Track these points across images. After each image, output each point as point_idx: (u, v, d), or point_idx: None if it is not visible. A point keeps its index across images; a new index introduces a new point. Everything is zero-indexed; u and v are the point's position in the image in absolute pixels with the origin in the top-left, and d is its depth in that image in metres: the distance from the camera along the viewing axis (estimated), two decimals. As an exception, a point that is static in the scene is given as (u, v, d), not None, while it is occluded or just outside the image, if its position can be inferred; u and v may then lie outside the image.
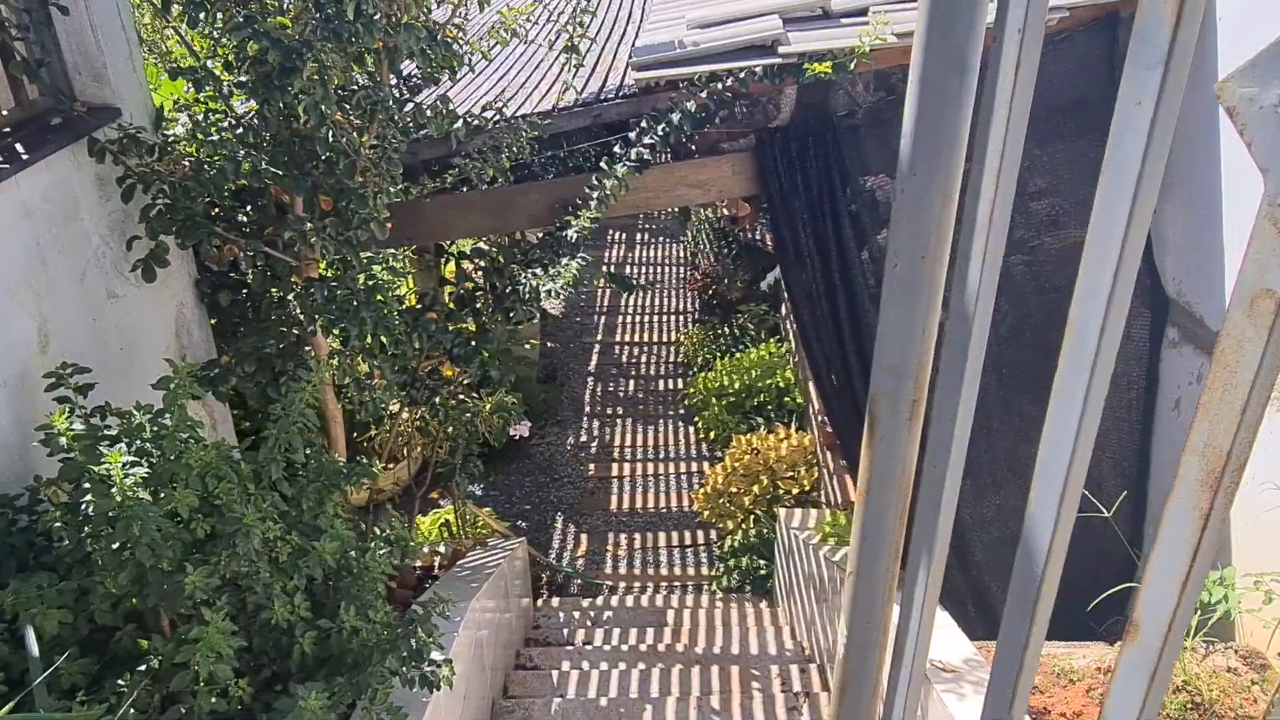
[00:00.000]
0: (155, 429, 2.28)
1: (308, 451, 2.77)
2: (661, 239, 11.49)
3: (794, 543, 5.43)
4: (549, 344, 9.29)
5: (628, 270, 10.72)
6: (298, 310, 2.90)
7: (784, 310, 8.29)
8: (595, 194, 3.78)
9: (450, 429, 4.11)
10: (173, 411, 2.21)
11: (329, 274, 3.41)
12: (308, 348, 3.12)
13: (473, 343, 3.93)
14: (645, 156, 3.78)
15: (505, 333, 3.97)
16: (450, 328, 3.89)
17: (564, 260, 3.79)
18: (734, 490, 6.55)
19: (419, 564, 5.00)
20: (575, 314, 9.88)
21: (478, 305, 4.00)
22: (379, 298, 3.05)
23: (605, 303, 10.11)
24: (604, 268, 10.84)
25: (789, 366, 7.66)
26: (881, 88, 3.97)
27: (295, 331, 3.12)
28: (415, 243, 3.97)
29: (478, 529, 5.83)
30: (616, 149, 3.83)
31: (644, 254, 11.15)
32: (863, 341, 3.71)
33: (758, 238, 8.85)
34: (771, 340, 8.09)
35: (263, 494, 2.45)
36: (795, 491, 6.38)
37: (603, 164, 3.80)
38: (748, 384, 7.56)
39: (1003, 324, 3.90)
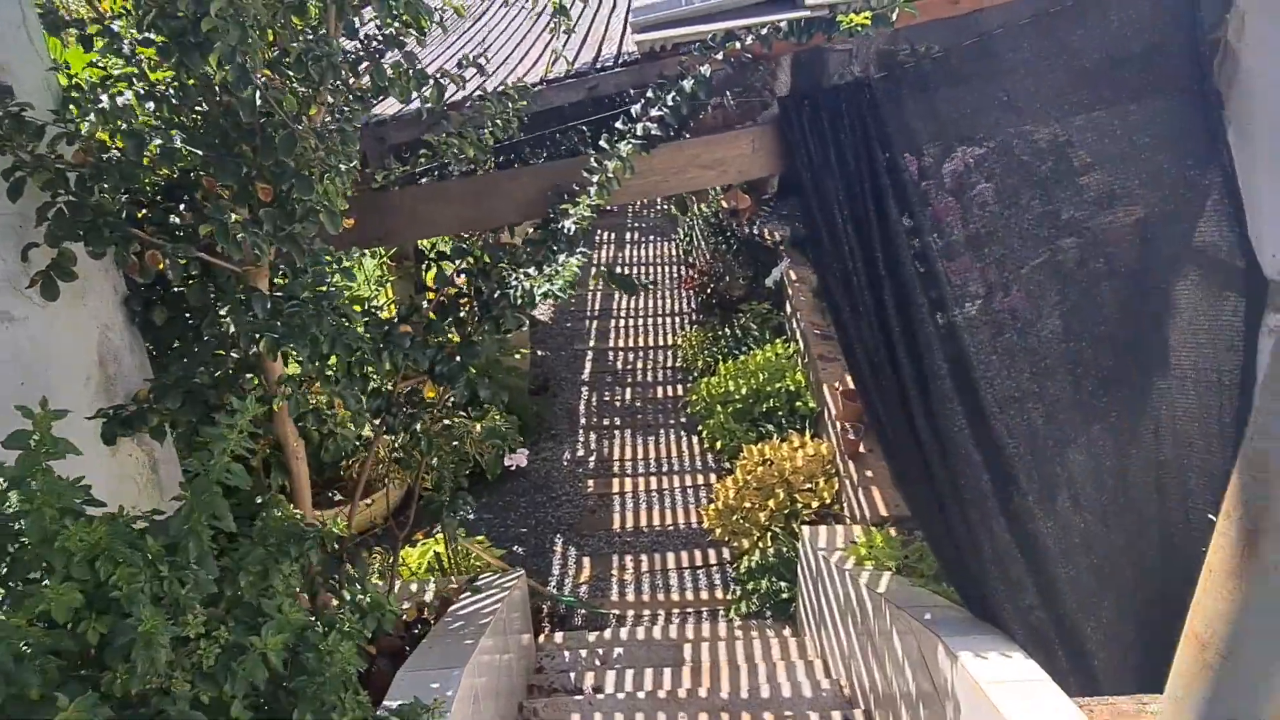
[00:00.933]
0: (23, 499, 1.64)
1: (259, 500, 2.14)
2: (652, 237, 10.88)
3: (822, 565, 4.82)
4: (539, 352, 8.65)
5: (617, 272, 10.09)
6: (233, 328, 2.27)
7: (788, 309, 7.69)
8: (595, 178, 3.16)
9: (435, 459, 3.47)
10: (35, 476, 1.57)
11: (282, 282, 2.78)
12: (249, 375, 2.48)
13: (457, 358, 3.30)
14: (653, 131, 3.16)
15: (494, 343, 3.34)
16: (431, 341, 3.26)
17: (561, 257, 3.16)
18: (748, 505, 5.94)
19: (405, 605, 4.36)
20: (565, 319, 9.25)
21: (461, 314, 3.37)
22: (336, 306, 2.41)
23: (597, 306, 9.48)
24: (593, 269, 10.22)
25: (799, 368, 7.06)
26: (928, 43, 3.37)
27: (234, 355, 2.49)
28: (384, 243, 3.33)
29: (471, 562, 5.18)
30: (619, 125, 3.20)
31: (634, 253, 10.53)
32: (915, 339, 3.11)
33: (756, 233, 8.25)
34: (778, 341, 7.48)
35: (182, 575, 1.81)
36: (815, 505, 5.77)
37: (603, 143, 3.18)
38: (755, 388, 6.95)
39: (1052, 316, 3.32)
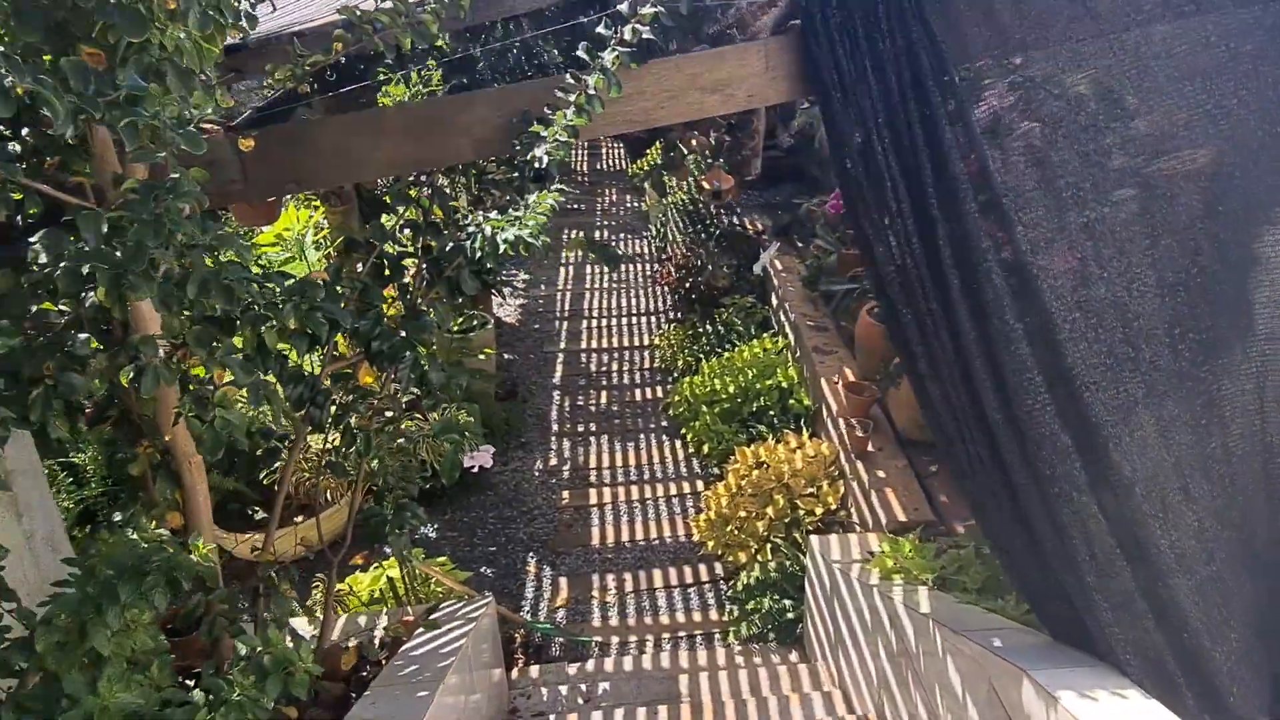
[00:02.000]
0: None
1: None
2: (623, 235, 10.17)
3: (839, 580, 4.11)
4: (506, 356, 7.88)
5: (587, 271, 9.37)
6: (45, 261, 1.51)
7: (774, 300, 7.01)
8: (572, 98, 2.45)
9: (377, 463, 2.71)
10: None
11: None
12: (83, 336, 1.71)
13: (402, 333, 2.55)
14: (645, 35, 2.46)
15: (448, 312, 2.59)
16: (368, 312, 2.51)
17: (531, 197, 2.43)
18: (743, 514, 5.22)
19: (350, 642, 3.58)
20: (533, 321, 8.50)
21: (405, 280, 2.62)
22: (220, 237, 1.66)
23: (567, 307, 8.74)
24: (562, 269, 9.48)
25: (790, 363, 6.37)
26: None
27: (62, 308, 1.74)
28: (304, 187, 2.58)
29: (431, 588, 4.40)
30: (601, 29, 2.49)
31: (605, 253, 9.78)
32: (980, 297, 2.43)
33: (738, 223, 7.58)
34: (765, 335, 6.79)
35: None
36: (819, 512, 5.07)
37: (581, 52, 2.47)
38: (743, 387, 6.25)
39: (1144, 266, 2.65)
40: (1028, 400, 2.41)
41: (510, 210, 2.43)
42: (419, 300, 2.62)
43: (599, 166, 12.41)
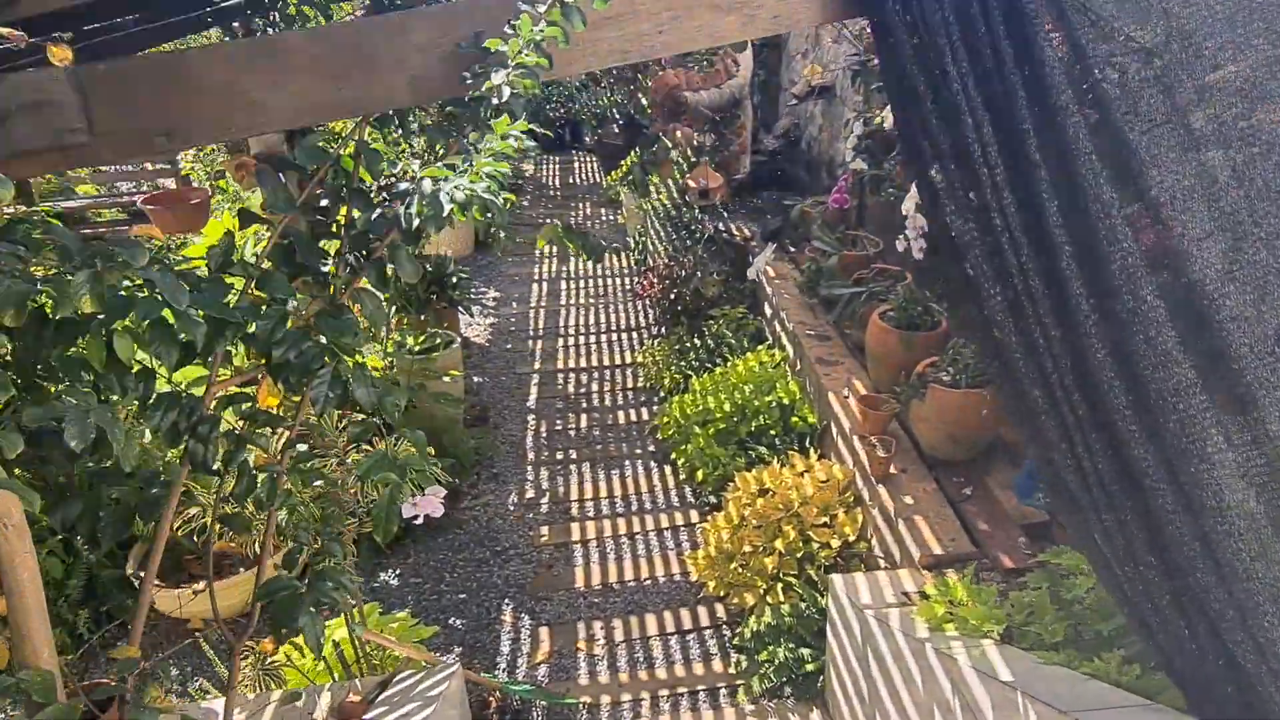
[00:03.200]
0: None
1: None
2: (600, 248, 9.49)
3: (870, 628, 3.41)
4: (475, 378, 7.15)
5: (562, 287, 8.68)
6: None
7: (767, 310, 6.35)
8: (542, 9, 1.77)
9: (289, 514, 1.98)
10: None
11: None
12: None
13: (318, 338, 1.84)
14: (640, -80, 1.80)
15: (378, 308, 1.88)
16: (269, 309, 1.79)
17: (490, 140, 1.75)
18: (748, 549, 4.51)
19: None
20: (504, 340, 7.77)
21: (324, 263, 1.92)
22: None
23: (540, 324, 8.03)
24: (535, 284, 8.78)
25: (790, 377, 5.70)
26: None
27: None
28: (180, 142, 1.87)
29: (386, 655, 3.64)
30: (580, -84, 1.83)
31: (578, 266, 9.13)
32: (1103, 265, 1.77)
33: (724, 229, 6.93)
34: (761, 348, 6.12)
35: None
36: (836, 545, 4.38)
37: (553, -53, 1.80)
38: (740, 404, 5.56)
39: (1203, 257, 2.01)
40: (1176, 402, 1.73)
41: (461, 164, 1.74)
42: (341, 292, 1.91)
43: (571, 180, 11.76)
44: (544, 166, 12.26)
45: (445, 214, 1.64)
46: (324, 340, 1.85)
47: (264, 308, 1.81)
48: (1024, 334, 1.90)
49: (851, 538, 4.41)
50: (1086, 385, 1.83)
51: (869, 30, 5.90)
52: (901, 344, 4.61)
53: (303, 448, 1.97)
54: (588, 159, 12.24)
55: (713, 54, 6.04)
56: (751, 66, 6.60)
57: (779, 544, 4.42)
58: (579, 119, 11.93)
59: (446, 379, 5.64)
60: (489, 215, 1.60)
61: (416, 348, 5.52)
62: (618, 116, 8.39)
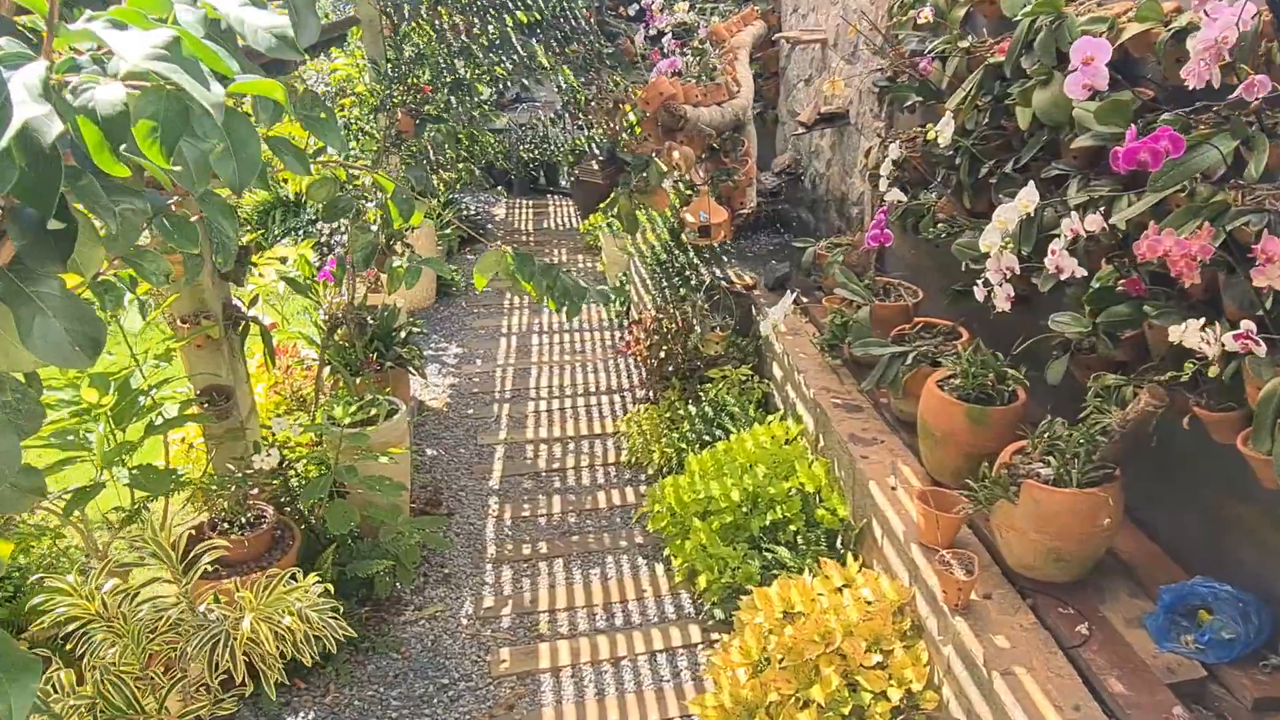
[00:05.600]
0: None
1: None
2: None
3: None
4: (429, 451, 5.92)
5: (534, 342, 7.51)
6: None
7: (777, 373, 5.21)
8: None
9: None
10: None
11: None
12: None
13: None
14: None
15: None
16: None
17: None
18: (775, 698, 3.29)
19: None
20: (466, 404, 6.56)
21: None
22: None
23: (508, 385, 6.83)
24: (504, 339, 7.60)
25: (813, 456, 4.53)
26: None
27: None
28: None
29: None
30: None
31: (554, 319, 7.97)
32: None
33: (720, 274, 5.81)
34: (773, 418, 4.95)
35: None
36: (896, 698, 3.17)
37: None
38: (750, 491, 4.38)
39: None
40: None
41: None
42: None
43: (546, 224, 10.67)
44: (516, 210, 11.18)
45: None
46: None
47: None
48: None
49: (916, 685, 3.20)
50: None
51: (895, 39, 4.87)
52: (970, 421, 3.46)
53: None
54: (564, 203, 11.19)
55: (712, 69, 4.98)
56: (754, 88, 5.54)
57: (817, 693, 3.20)
58: (554, 160, 10.93)
59: (384, 459, 4.40)
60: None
61: (346, 420, 4.30)
62: (597, 152, 7.33)
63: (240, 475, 4.12)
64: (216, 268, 4.33)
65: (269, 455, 3.95)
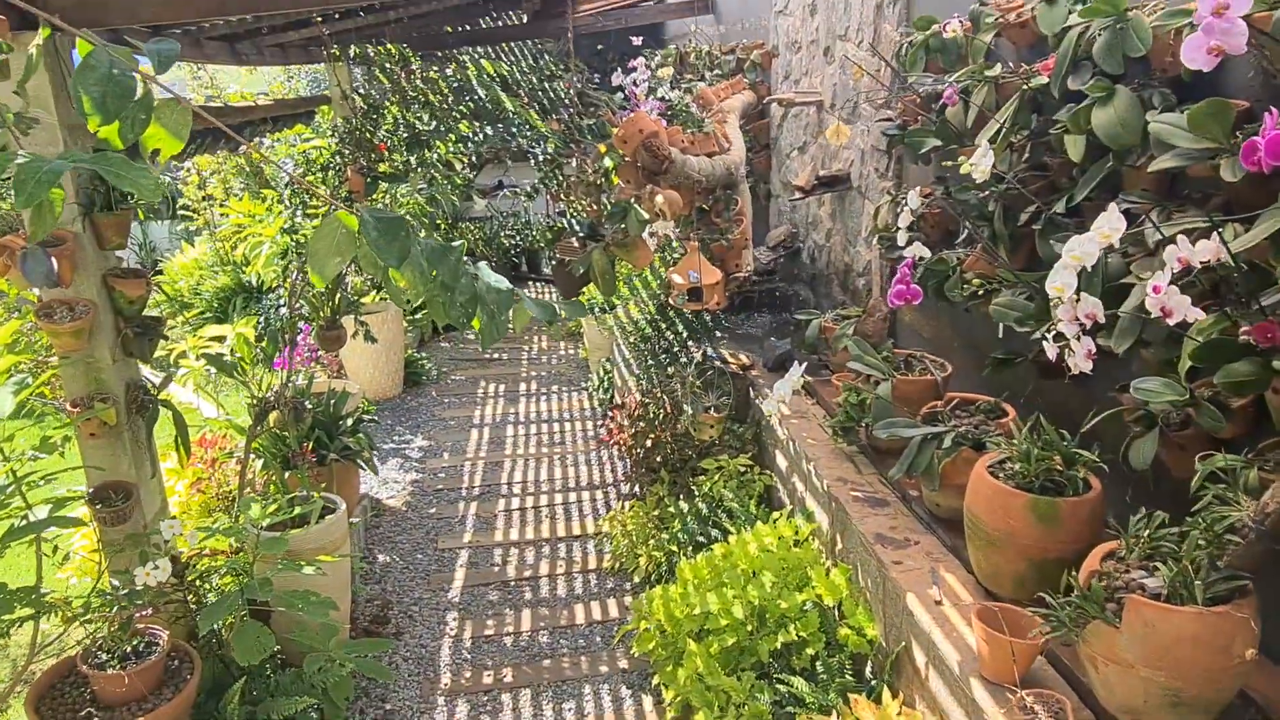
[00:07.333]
0: None
1: None
2: (555, 388, 7.65)
3: None
4: (380, 557, 5.07)
5: (508, 433, 6.74)
6: None
7: (780, 461, 4.45)
8: None
9: None
10: None
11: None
12: None
13: None
14: None
15: None
16: None
17: None
18: None
19: None
20: (427, 502, 5.73)
21: None
22: None
23: (477, 480, 6.02)
24: (475, 430, 6.82)
25: (830, 563, 3.74)
26: None
27: None
28: None
29: None
30: None
31: (531, 408, 7.23)
32: None
33: (713, 354, 5.12)
34: (778, 516, 4.17)
35: None
36: None
37: None
38: (757, 606, 3.56)
39: None
40: None
41: None
42: None
43: (527, 312, 10.05)
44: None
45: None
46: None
47: None
48: None
49: None
50: None
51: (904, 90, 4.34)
52: (1035, 516, 2.70)
53: None
54: (546, 289, 10.62)
55: (700, 121, 4.41)
56: (744, 150, 4.99)
57: None
58: (535, 247, 10.43)
59: (310, 570, 3.57)
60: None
61: (264, 521, 3.50)
62: (578, 228, 6.74)
63: (126, 592, 3.28)
64: (120, 340, 3.62)
65: (156, 568, 3.14)
